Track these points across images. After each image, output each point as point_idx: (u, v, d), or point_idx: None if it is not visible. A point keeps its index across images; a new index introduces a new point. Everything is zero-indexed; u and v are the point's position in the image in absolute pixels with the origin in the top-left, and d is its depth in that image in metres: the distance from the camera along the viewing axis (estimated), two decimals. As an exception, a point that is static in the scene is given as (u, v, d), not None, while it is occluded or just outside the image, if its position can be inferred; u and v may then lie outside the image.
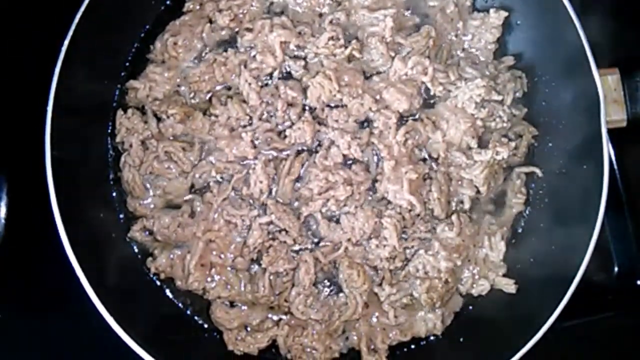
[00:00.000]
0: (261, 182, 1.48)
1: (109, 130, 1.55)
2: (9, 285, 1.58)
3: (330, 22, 1.54)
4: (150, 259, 1.51)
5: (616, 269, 1.63)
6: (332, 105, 1.53)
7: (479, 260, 1.53)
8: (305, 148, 1.53)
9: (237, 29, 1.57)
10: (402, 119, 1.53)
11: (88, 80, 1.46)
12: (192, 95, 1.56)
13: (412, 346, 1.53)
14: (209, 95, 1.56)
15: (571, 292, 1.35)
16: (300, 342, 1.49)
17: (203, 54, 1.57)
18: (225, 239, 1.50)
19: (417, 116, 1.54)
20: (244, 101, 1.53)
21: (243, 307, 1.52)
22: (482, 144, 1.52)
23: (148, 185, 1.53)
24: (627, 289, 1.63)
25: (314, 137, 1.52)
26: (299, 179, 1.52)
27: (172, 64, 1.57)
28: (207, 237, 1.49)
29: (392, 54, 1.52)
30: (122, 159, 1.53)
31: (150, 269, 1.51)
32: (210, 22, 1.58)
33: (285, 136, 1.52)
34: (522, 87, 1.58)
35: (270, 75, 1.55)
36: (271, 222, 1.49)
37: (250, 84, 1.52)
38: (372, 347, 1.51)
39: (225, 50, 1.56)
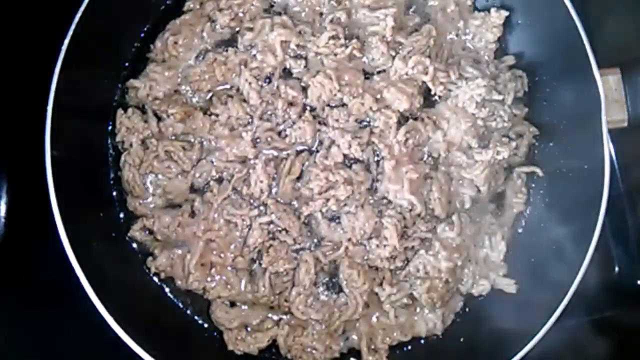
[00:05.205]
0: (261, 181, 1.48)
1: (109, 130, 1.55)
2: (9, 284, 1.58)
3: (331, 21, 1.53)
4: (150, 258, 1.51)
5: (616, 269, 1.63)
6: (333, 104, 1.53)
7: (480, 260, 1.53)
8: (305, 147, 1.53)
9: (237, 28, 1.57)
10: (402, 119, 1.52)
11: (88, 79, 1.46)
12: (192, 94, 1.56)
13: (413, 346, 1.53)
14: (209, 94, 1.56)
15: (572, 293, 1.35)
16: (300, 342, 1.49)
17: (203, 53, 1.57)
18: (226, 238, 1.50)
19: (417, 116, 1.53)
20: (245, 100, 1.53)
21: (243, 307, 1.52)
22: (483, 144, 1.52)
23: (148, 185, 1.53)
24: (627, 289, 1.63)
25: (315, 137, 1.52)
26: (299, 178, 1.52)
27: (173, 63, 1.56)
28: (207, 237, 1.49)
29: (393, 54, 1.52)
30: (122, 158, 1.53)
31: (151, 268, 1.51)
32: (211, 21, 1.58)
33: (286, 135, 1.52)
34: (522, 86, 1.57)
35: (271, 74, 1.55)
36: (271, 222, 1.49)
37: (250, 83, 1.52)
38: (373, 347, 1.51)
39: (226, 50, 1.55)
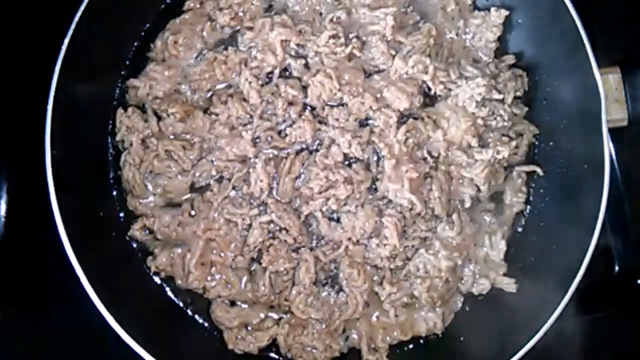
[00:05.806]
0: (261, 180, 1.48)
1: (109, 129, 1.55)
2: (9, 284, 1.58)
3: (331, 20, 1.53)
4: (150, 257, 1.51)
5: (616, 268, 1.63)
6: (333, 103, 1.53)
7: (480, 259, 1.53)
8: (305, 147, 1.53)
9: (237, 28, 1.57)
10: (402, 118, 1.52)
11: (88, 79, 1.46)
12: (192, 93, 1.56)
13: (413, 345, 1.53)
14: (209, 93, 1.56)
15: (571, 292, 1.35)
16: (300, 341, 1.49)
17: (203, 53, 1.56)
18: (226, 237, 1.50)
19: (417, 115, 1.53)
20: (245, 100, 1.53)
21: (243, 306, 1.52)
22: (483, 143, 1.52)
23: (148, 184, 1.53)
24: (627, 288, 1.63)
25: (315, 136, 1.52)
26: (299, 177, 1.52)
27: (173, 62, 1.56)
28: (208, 236, 1.49)
29: (393, 53, 1.52)
30: (123, 157, 1.53)
31: (151, 267, 1.51)
32: (211, 20, 1.57)
33: (286, 135, 1.52)
34: (522, 86, 1.57)
35: (271, 73, 1.55)
36: (271, 221, 1.49)
37: (250, 82, 1.51)
38: (373, 346, 1.51)
39: (226, 49, 1.55)
